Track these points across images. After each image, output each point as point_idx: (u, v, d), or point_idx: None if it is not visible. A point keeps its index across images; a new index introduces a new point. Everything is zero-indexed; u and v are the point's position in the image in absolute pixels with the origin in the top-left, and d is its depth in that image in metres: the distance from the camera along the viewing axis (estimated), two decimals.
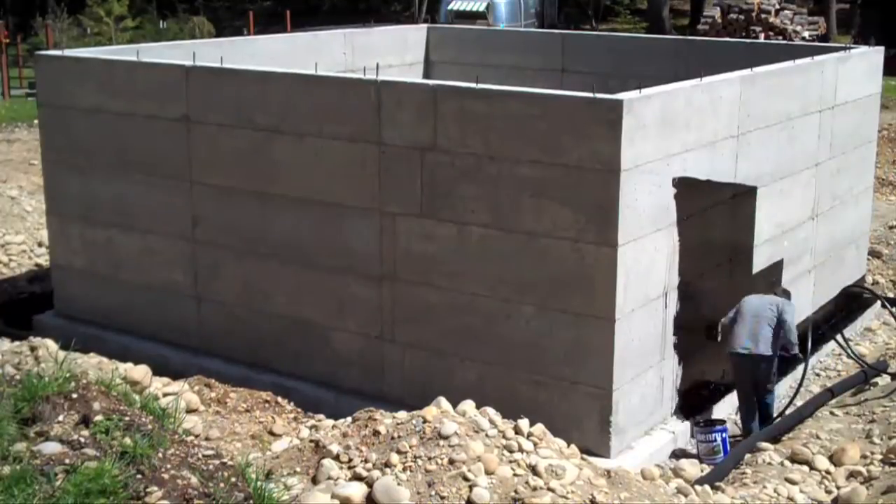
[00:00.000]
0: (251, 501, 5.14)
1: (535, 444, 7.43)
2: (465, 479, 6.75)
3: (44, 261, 14.36)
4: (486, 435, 7.28)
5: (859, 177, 13.24)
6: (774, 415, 10.26)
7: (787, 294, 10.47)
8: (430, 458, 6.88)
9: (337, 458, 7.04)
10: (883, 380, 11.08)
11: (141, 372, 10.27)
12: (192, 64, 10.86)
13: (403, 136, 9.51)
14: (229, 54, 11.98)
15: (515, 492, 6.79)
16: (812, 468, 9.21)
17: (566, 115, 8.75)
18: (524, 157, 8.93)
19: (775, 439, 9.90)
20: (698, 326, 10.20)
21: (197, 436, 8.54)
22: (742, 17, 30.85)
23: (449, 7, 31.71)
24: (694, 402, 10.17)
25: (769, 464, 9.31)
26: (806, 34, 30.52)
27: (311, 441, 7.39)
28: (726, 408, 10.36)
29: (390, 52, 15.43)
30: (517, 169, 8.97)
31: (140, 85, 11.13)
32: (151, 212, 11.27)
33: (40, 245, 15.04)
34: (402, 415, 7.44)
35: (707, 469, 9.25)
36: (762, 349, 9.88)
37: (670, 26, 37.77)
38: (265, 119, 10.28)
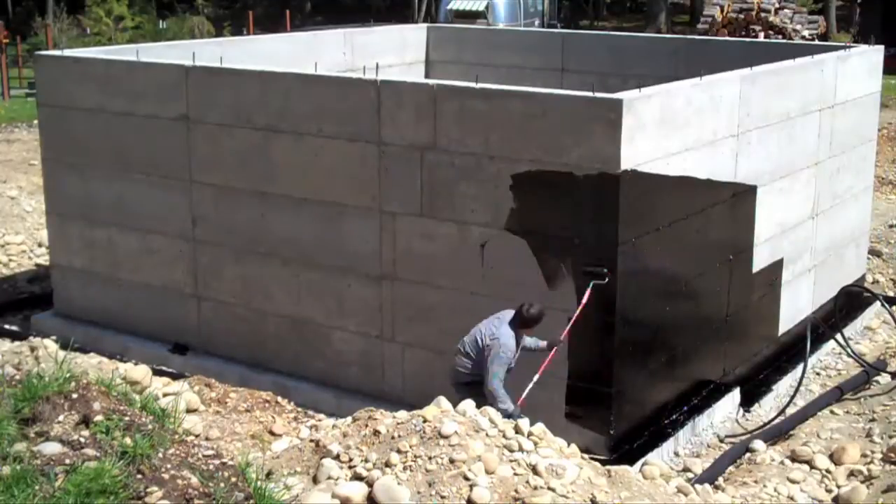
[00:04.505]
0: (251, 501, 5.13)
1: (536, 444, 7.41)
2: (466, 478, 6.74)
3: (43, 261, 14.35)
4: (487, 434, 7.27)
5: (859, 176, 13.23)
6: None
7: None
8: (430, 458, 6.87)
9: (337, 457, 7.03)
10: (883, 378, 11.08)
11: (141, 372, 10.29)
12: (192, 64, 10.85)
13: (403, 135, 9.50)
14: (229, 54, 11.97)
15: (516, 491, 6.78)
16: (812, 467, 9.21)
17: (566, 115, 8.75)
18: (524, 156, 8.92)
19: (777, 439, 9.89)
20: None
21: (197, 436, 8.54)
22: (742, 15, 30.82)
23: (448, 6, 31.69)
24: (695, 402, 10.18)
25: (769, 463, 9.31)
26: (806, 33, 30.48)
27: (311, 441, 7.38)
28: (727, 407, 10.35)
29: (390, 52, 15.42)
30: (517, 168, 8.97)
31: (139, 85, 11.12)
32: (151, 212, 11.27)
33: (40, 245, 15.03)
34: (402, 414, 7.42)
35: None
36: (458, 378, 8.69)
37: (670, 24, 37.77)
38: (265, 119, 10.27)
